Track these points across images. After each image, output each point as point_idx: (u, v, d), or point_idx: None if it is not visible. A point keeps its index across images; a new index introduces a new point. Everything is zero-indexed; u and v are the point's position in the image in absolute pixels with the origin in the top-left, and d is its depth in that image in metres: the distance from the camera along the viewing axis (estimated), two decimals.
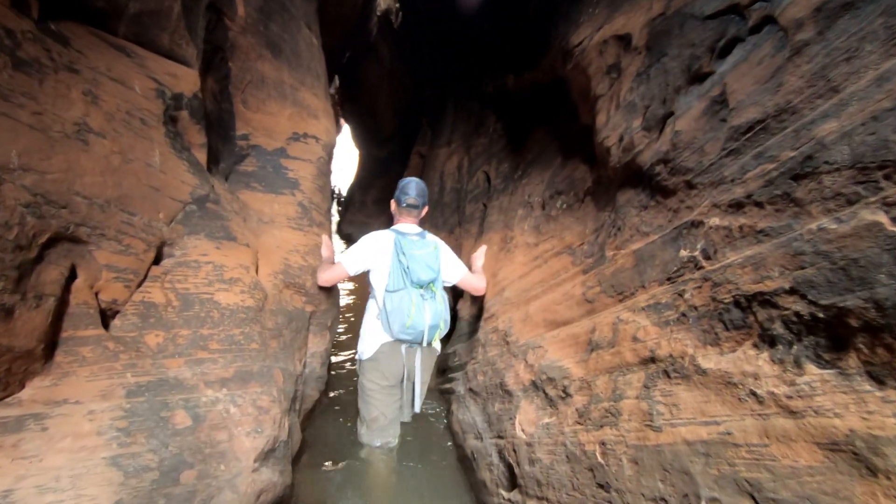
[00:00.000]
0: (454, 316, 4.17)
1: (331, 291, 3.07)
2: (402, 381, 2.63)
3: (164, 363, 1.72)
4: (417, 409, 2.63)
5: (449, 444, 2.78)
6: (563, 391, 1.65)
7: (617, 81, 1.81)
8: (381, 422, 2.62)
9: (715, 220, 1.10)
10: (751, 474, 0.86)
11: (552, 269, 2.16)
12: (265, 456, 1.87)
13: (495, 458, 2.07)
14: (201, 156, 2.25)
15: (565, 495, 1.43)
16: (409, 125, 8.66)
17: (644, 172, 1.50)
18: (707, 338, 1.06)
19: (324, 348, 3.00)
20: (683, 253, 1.20)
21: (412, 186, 2.77)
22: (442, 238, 4.85)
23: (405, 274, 2.50)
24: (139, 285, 1.77)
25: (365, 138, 12.85)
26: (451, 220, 5.01)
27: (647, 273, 1.37)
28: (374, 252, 2.63)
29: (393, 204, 2.86)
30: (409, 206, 2.74)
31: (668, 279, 1.26)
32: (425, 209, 2.83)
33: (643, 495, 1.10)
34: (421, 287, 2.52)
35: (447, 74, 6.21)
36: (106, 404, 1.48)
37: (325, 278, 2.79)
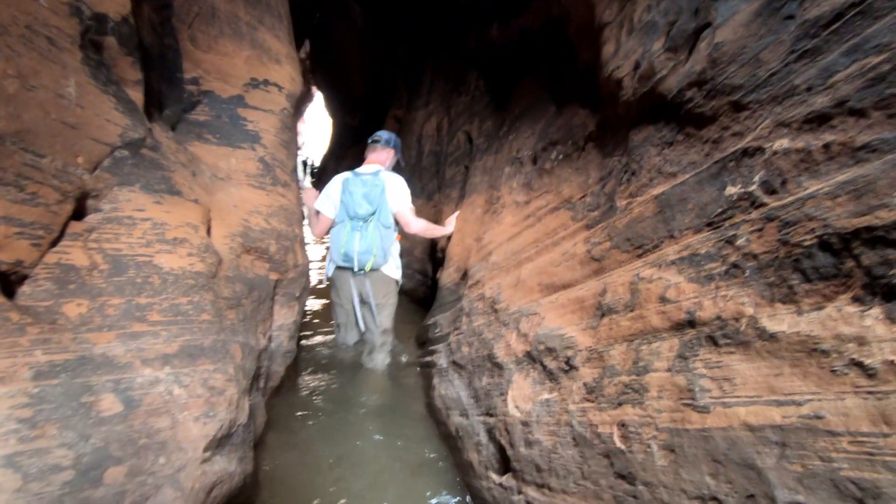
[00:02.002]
0: (434, 285, 3.93)
1: (298, 258, 2.77)
2: (354, 302, 3.01)
3: (89, 338, 1.42)
4: (378, 323, 3.03)
5: (427, 420, 2.56)
6: (567, 363, 1.43)
7: (629, 2, 1.53)
8: (341, 328, 3.22)
9: (783, 143, 0.86)
10: (860, 474, 0.64)
11: (548, 228, 1.92)
12: (219, 443, 1.60)
13: (484, 438, 1.86)
14: (136, 95, 1.90)
15: (573, 484, 1.22)
16: (383, 90, 8.20)
17: (668, 102, 1.24)
18: (775, 293, 0.83)
19: (292, 320, 2.72)
20: (732, 190, 0.96)
21: (382, 130, 3.22)
22: (420, 204, 4.59)
23: (346, 210, 2.90)
24: (53, 244, 1.45)
25: (338, 106, 12.31)
26: (429, 185, 4.72)
27: (676, 220, 1.13)
28: (334, 192, 3.01)
29: (366, 150, 3.16)
30: (371, 141, 3.11)
31: (709, 224, 1.02)
32: (388, 150, 3.13)
33: (684, 492, 0.88)
34: (361, 220, 2.87)
35: (424, 32, 5.80)
36: (4, 390, 1.17)
37: (317, 231, 3.18)
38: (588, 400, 1.25)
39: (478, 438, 1.90)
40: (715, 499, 0.82)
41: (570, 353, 1.43)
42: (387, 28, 7.71)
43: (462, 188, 3.79)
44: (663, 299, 1.08)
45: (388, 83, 7.80)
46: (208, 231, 2.06)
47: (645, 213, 1.26)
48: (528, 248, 2.02)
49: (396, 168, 3.26)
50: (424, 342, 3.22)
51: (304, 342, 3.44)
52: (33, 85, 1.38)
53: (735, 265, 0.91)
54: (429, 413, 2.61)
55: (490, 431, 1.81)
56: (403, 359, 3.27)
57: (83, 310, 1.45)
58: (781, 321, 0.80)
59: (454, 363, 2.41)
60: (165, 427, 1.43)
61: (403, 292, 4.75)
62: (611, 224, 1.43)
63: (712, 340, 0.92)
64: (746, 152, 0.94)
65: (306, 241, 3.10)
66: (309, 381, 2.94)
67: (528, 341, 1.71)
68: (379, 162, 3.06)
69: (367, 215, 2.85)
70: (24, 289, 1.37)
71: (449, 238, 3.38)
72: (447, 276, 3.21)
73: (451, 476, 2.10)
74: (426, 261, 4.51)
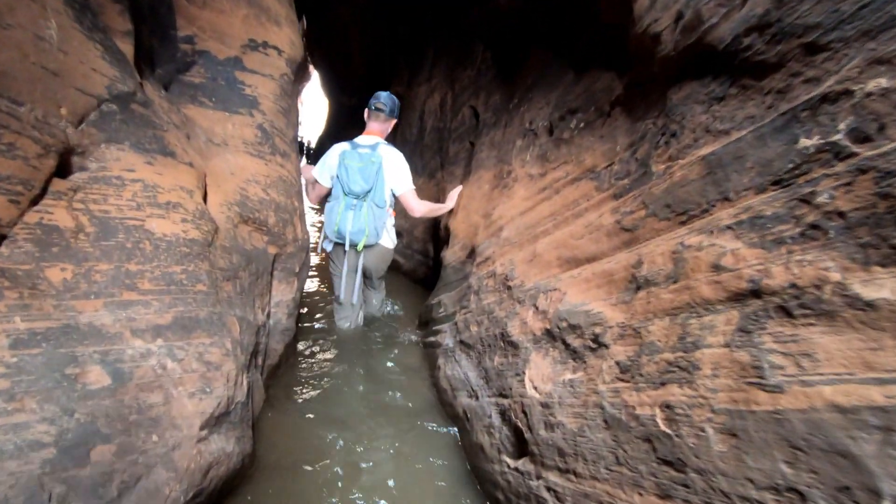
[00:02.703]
0: (435, 265, 3.82)
1: (298, 232, 2.65)
2: (348, 273, 2.99)
3: (74, 305, 1.30)
4: (375, 276, 3.19)
5: (431, 401, 2.46)
6: (594, 340, 1.32)
7: None
8: (341, 304, 3.14)
9: (879, 83, 0.74)
10: None
11: (567, 199, 1.80)
12: (216, 421, 1.50)
13: (496, 420, 1.76)
14: (125, 47, 1.75)
15: (604, 470, 1.12)
16: (383, 70, 7.98)
17: (719, 52, 1.12)
18: (871, 255, 0.71)
19: (291, 297, 2.60)
20: (807, 142, 0.85)
21: (383, 94, 2.97)
22: (421, 183, 4.45)
23: (341, 184, 2.82)
24: (34, 202, 1.31)
25: (335, 86, 12.05)
26: (431, 162, 4.57)
27: (731, 181, 1.01)
28: (332, 162, 2.91)
29: (366, 112, 2.99)
30: (376, 109, 2.91)
31: (777, 183, 0.90)
32: (391, 122, 3.01)
33: (751, 481, 0.78)
34: (356, 197, 2.79)
35: (425, 9, 5.59)
36: None
37: (312, 197, 3.20)
38: (622, 380, 1.15)
39: (489, 420, 1.81)
40: (794, 490, 0.72)
41: (598, 329, 1.32)
42: (387, 6, 7.48)
43: (467, 165, 3.66)
44: (717, 267, 0.97)
45: (389, 62, 7.59)
46: (204, 197, 1.93)
47: (689, 177, 1.14)
48: (545, 221, 1.91)
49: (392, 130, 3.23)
50: (427, 322, 3.12)
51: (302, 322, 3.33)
52: (8, 23, 1.23)
53: (814, 226, 0.80)
54: (433, 394, 2.51)
55: (503, 413, 1.72)
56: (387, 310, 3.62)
57: (68, 275, 1.32)
58: (881, 287, 0.69)
59: (461, 343, 2.31)
60: (158, 403, 1.32)
61: (403, 273, 4.65)
62: (645, 191, 1.32)
63: (785, 311, 0.81)
64: (827, 98, 0.83)
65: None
66: (308, 360, 2.83)
67: (548, 318, 1.60)
68: (379, 133, 2.97)
69: (362, 192, 2.77)
70: (2, 250, 1.24)
71: (453, 214, 3.26)
72: (452, 255, 3.09)
73: (457, 458, 2.01)
74: (427, 240, 4.40)
